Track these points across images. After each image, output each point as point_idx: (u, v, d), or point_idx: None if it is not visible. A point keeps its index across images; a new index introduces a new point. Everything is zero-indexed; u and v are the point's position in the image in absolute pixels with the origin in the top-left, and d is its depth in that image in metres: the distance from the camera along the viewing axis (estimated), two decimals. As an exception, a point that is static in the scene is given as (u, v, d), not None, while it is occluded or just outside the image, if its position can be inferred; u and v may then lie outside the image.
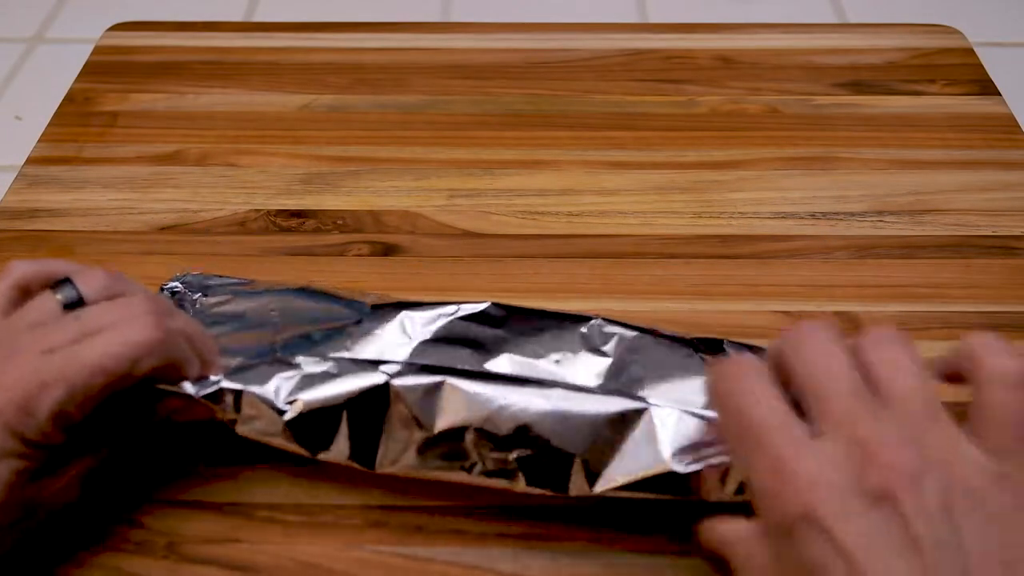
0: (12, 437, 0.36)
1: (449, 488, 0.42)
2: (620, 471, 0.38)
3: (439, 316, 0.44)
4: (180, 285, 0.47)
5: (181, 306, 0.45)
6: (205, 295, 0.46)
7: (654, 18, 0.76)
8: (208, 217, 0.57)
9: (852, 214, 0.56)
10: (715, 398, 0.35)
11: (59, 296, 0.39)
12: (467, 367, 0.41)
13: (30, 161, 0.61)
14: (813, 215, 0.56)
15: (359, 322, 0.44)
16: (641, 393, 0.40)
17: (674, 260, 0.54)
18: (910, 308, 0.51)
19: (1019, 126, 0.63)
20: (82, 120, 0.64)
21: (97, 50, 0.70)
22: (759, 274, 0.53)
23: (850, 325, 0.50)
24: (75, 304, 0.39)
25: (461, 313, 0.44)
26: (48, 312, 0.39)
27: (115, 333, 0.37)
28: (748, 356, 0.38)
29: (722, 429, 0.35)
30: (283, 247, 0.55)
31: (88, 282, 0.40)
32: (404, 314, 0.44)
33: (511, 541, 0.41)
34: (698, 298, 0.52)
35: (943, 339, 0.49)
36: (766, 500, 0.31)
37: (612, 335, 0.43)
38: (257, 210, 0.57)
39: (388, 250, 0.55)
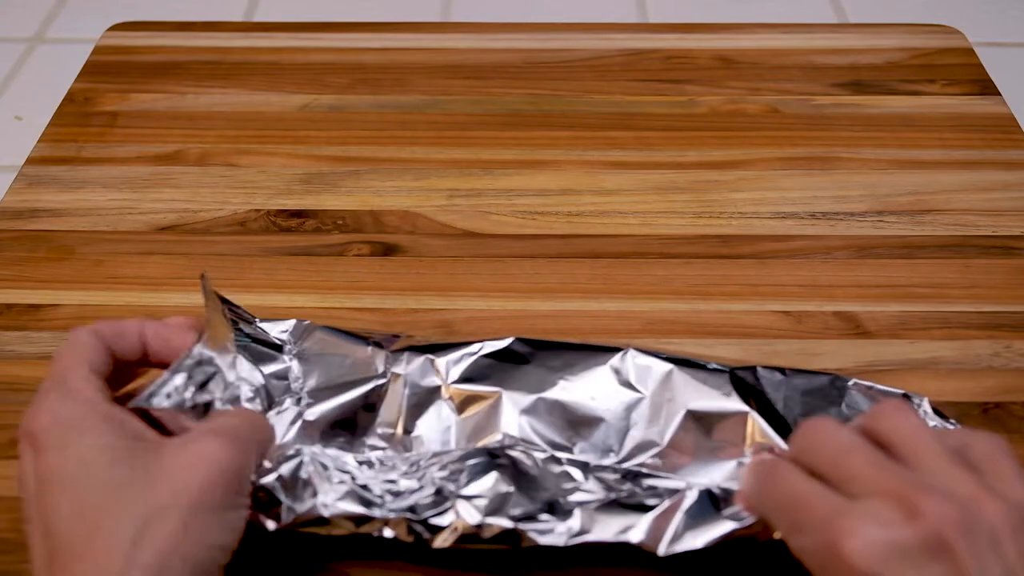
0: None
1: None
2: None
3: (463, 356, 0.44)
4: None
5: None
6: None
7: (654, 18, 0.76)
8: (208, 217, 0.57)
9: (852, 214, 0.56)
10: (754, 490, 0.37)
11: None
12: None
13: (30, 161, 0.61)
14: (813, 215, 0.56)
15: (383, 374, 0.44)
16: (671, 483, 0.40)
17: (674, 260, 0.54)
18: (910, 308, 0.51)
19: (1019, 126, 0.63)
20: (82, 120, 0.64)
21: (97, 50, 0.70)
22: (759, 274, 0.53)
23: (850, 325, 0.50)
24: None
25: (485, 351, 0.44)
26: None
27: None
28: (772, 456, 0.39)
29: (765, 512, 0.36)
30: (283, 247, 0.55)
31: None
32: (426, 359, 0.44)
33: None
34: (698, 298, 0.52)
35: (943, 339, 0.49)
36: (824, 566, 0.32)
37: (645, 368, 0.43)
38: (257, 210, 0.57)
39: (388, 250, 0.55)
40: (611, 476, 0.40)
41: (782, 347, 0.49)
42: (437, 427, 0.42)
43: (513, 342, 0.44)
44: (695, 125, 0.63)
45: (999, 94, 0.65)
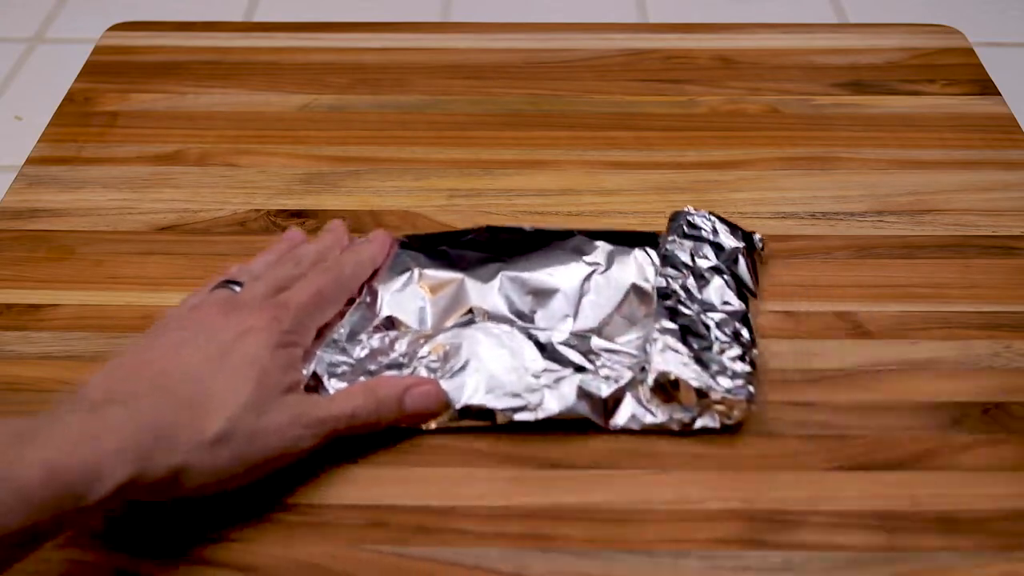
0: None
1: (449, 487, 0.42)
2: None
3: (434, 248, 0.52)
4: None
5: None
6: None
7: (654, 18, 0.76)
8: (208, 217, 0.56)
9: (852, 214, 0.56)
10: None
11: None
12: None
13: (30, 161, 0.61)
14: (813, 215, 0.56)
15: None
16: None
17: (674, 260, 0.54)
18: (910, 308, 0.51)
19: (1019, 126, 0.63)
20: (82, 120, 0.64)
21: (97, 50, 0.70)
22: (759, 274, 0.53)
23: (850, 325, 0.50)
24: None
25: (453, 242, 0.52)
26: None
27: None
28: None
29: None
30: (283, 247, 0.55)
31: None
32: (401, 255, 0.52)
33: (511, 541, 0.41)
34: (698, 298, 0.52)
35: (943, 339, 0.49)
36: None
37: (597, 248, 0.51)
38: (257, 210, 0.57)
39: (388, 250, 0.55)
40: (568, 349, 0.47)
41: (782, 347, 0.49)
42: (413, 307, 0.49)
43: (478, 232, 0.53)
44: (695, 125, 0.63)
45: (999, 94, 0.65)
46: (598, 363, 0.46)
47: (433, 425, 0.45)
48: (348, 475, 0.43)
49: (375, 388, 0.44)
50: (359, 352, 0.47)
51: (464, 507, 0.42)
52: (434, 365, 0.46)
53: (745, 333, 0.47)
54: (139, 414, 0.38)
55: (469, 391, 0.45)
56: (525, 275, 0.50)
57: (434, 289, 0.49)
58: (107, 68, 0.68)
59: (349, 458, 0.44)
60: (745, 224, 0.55)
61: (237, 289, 0.46)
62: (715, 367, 0.45)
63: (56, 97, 0.66)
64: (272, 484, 0.43)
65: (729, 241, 0.51)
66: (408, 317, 0.48)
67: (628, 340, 0.47)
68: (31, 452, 0.34)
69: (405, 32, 0.72)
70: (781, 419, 0.45)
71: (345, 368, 0.46)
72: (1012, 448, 0.44)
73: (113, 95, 0.66)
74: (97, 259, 0.54)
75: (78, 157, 0.61)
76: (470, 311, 0.48)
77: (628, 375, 0.45)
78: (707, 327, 0.46)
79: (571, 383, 0.45)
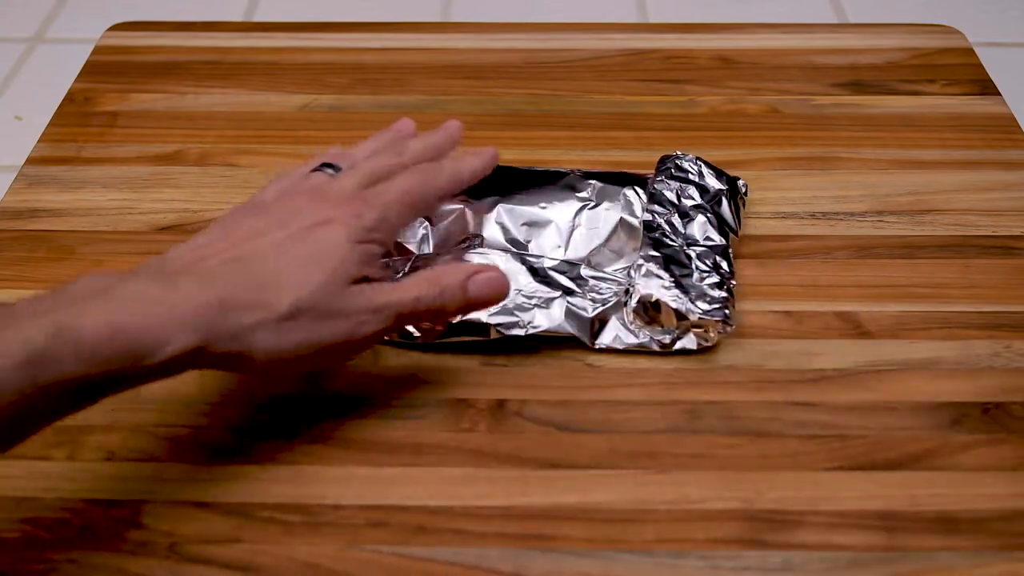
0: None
1: (449, 487, 0.42)
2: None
3: None
4: None
5: None
6: None
7: (654, 18, 0.76)
8: (208, 217, 0.56)
9: (852, 214, 0.56)
10: None
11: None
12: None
13: (30, 161, 0.61)
14: (813, 215, 0.56)
15: None
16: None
17: (674, 260, 0.54)
18: (910, 308, 0.51)
19: (1019, 126, 0.63)
20: (82, 120, 0.64)
21: (97, 50, 0.70)
22: (759, 274, 0.53)
23: (850, 325, 0.50)
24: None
25: None
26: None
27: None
28: None
29: None
30: (283, 247, 0.55)
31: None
32: None
33: (511, 541, 0.41)
34: (698, 298, 0.52)
35: (943, 339, 0.49)
36: None
37: (589, 184, 0.54)
38: (257, 210, 0.57)
39: (388, 250, 0.55)
40: (558, 275, 0.50)
41: (782, 347, 0.49)
42: (416, 235, 0.52)
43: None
44: (695, 125, 0.63)
45: (999, 94, 0.65)
46: (586, 288, 0.49)
47: (439, 328, 0.48)
48: (348, 475, 0.43)
49: (439, 275, 0.45)
50: None
51: (464, 507, 0.42)
52: None
53: (724, 265, 0.50)
54: (210, 288, 0.39)
55: None
56: (521, 208, 0.53)
57: (436, 219, 0.52)
58: (107, 68, 0.68)
59: (349, 458, 0.44)
60: (745, 224, 0.55)
61: (331, 173, 0.47)
62: (694, 292, 0.48)
63: (56, 97, 0.66)
64: (272, 483, 0.43)
65: (714, 183, 0.54)
66: (411, 243, 0.52)
67: (615, 270, 0.51)
68: (99, 309, 0.36)
69: (405, 32, 0.72)
70: (781, 419, 0.45)
71: None
72: (1012, 448, 0.44)
73: (113, 95, 0.66)
74: (97, 259, 0.54)
75: (78, 157, 0.61)
76: (468, 238, 0.52)
77: (613, 298, 0.49)
78: (689, 258, 0.49)
79: (560, 304, 0.49)
